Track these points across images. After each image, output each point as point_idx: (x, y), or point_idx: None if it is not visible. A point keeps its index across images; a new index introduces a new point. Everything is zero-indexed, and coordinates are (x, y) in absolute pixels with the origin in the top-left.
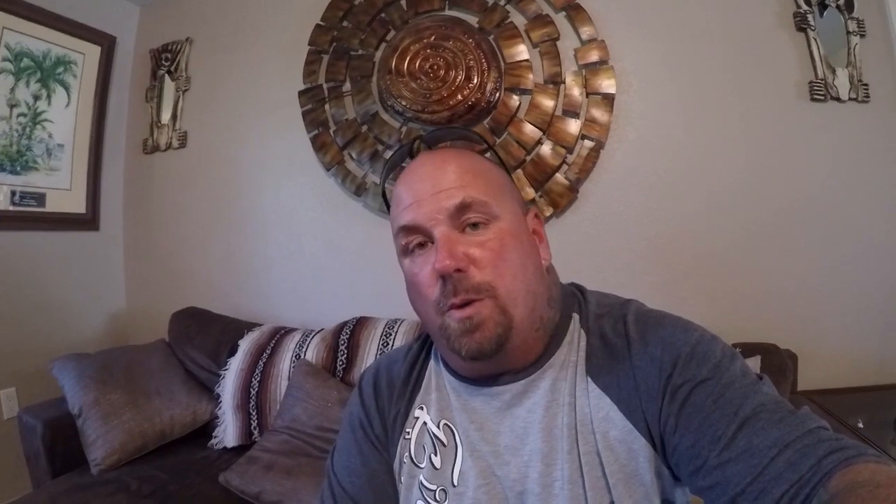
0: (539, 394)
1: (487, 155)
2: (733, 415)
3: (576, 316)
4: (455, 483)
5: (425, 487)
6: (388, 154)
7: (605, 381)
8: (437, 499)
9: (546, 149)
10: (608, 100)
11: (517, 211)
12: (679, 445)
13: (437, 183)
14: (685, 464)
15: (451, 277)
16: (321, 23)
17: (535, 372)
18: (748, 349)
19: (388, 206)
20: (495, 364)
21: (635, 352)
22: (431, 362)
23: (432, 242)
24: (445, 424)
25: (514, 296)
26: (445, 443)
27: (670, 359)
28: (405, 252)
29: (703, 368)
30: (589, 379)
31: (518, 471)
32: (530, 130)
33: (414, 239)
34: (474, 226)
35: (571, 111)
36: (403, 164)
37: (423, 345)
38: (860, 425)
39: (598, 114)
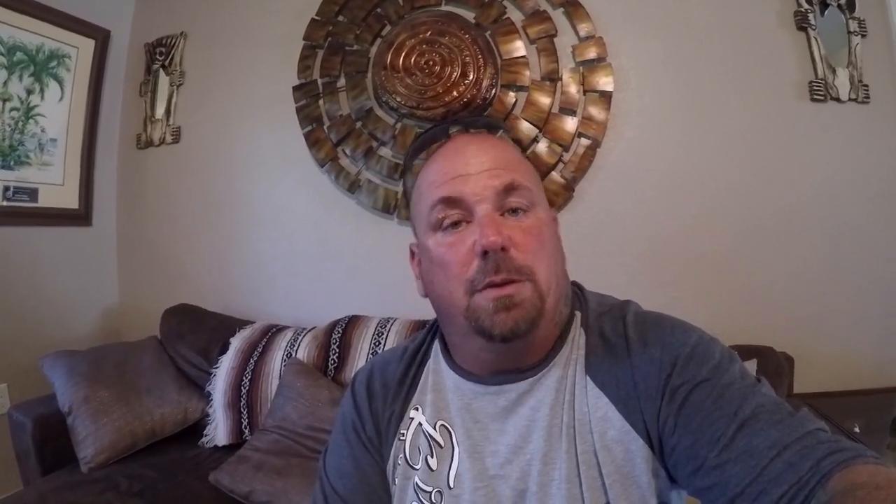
0: (544, 391)
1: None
2: (732, 415)
3: (577, 314)
4: (451, 485)
5: (420, 489)
6: (383, 151)
7: (603, 380)
8: (433, 500)
9: (542, 147)
10: (606, 97)
11: (547, 207)
12: (678, 446)
13: (484, 161)
14: (683, 464)
15: (496, 255)
16: (316, 17)
17: (542, 370)
18: (744, 352)
19: (406, 190)
20: (513, 355)
21: (634, 352)
22: (430, 362)
23: (468, 222)
24: (442, 425)
25: (549, 283)
26: (442, 444)
27: (670, 359)
28: (436, 227)
29: (703, 369)
30: (588, 377)
31: (520, 469)
32: (526, 128)
33: (451, 214)
34: (514, 212)
35: (568, 108)
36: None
37: (421, 345)
38: (856, 429)
39: (596, 111)
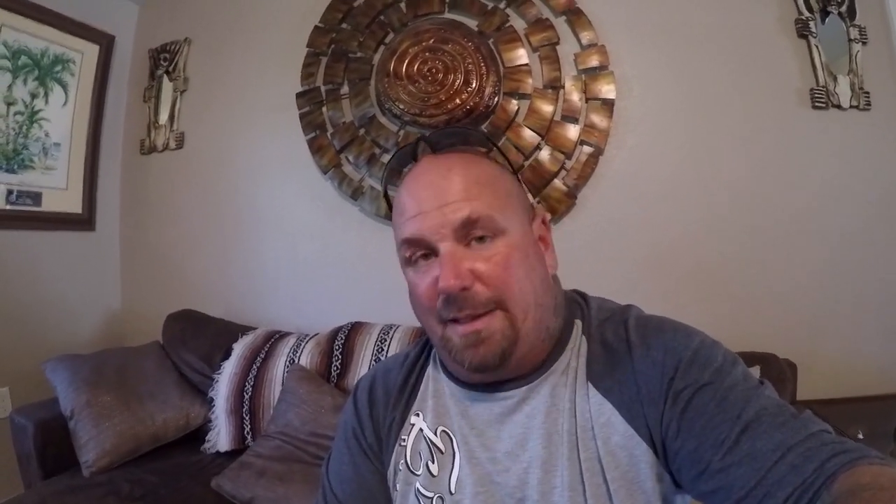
0: (539, 399)
1: (491, 156)
2: (736, 418)
3: (578, 322)
4: (452, 490)
5: (422, 495)
6: (386, 158)
7: (606, 387)
8: None
9: (544, 154)
10: (608, 105)
11: (524, 221)
12: (681, 450)
13: (442, 194)
14: (687, 468)
15: (456, 296)
16: (320, 24)
17: (538, 378)
18: (747, 358)
19: (391, 208)
20: (499, 373)
21: (637, 357)
22: (430, 368)
23: (436, 255)
24: (443, 431)
25: (523, 309)
26: (443, 450)
27: (672, 363)
28: (408, 263)
29: (705, 373)
30: (590, 384)
31: (517, 477)
32: (529, 135)
33: (417, 251)
34: (480, 239)
35: (570, 116)
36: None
37: (421, 352)
38: (860, 436)
39: (598, 119)
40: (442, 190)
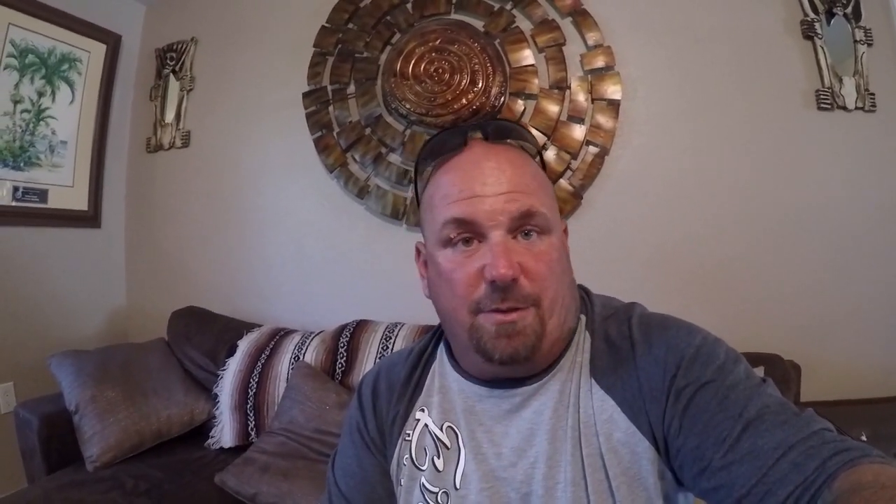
0: (548, 396)
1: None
2: (738, 416)
3: (582, 317)
4: (457, 486)
5: (427, 490)
6: (392, 157)
7: (608, 383)
8: (440, 501)
9: (550, 154)
10: (613, 106)
11: (560, 224)
12: (683, 447)
13: (501, 182)
14: (689, 466)
15: (504, 285)
16: (326, 24)
17: (547, 375)
18: (751, 360)
19: (416, 191)
20: (521, 369)
21: (640, 354)
22: (436, 364)
23: (479, 241)
24: (449, 427)
25: (552, 308)
26: (448, 445)
27: (674, 360)
28: (446, 244)
29: (708, 370)
30: (593, 380)
31: (524, 472)
32: (535, 136)
33: (462, 234)
34: (527, 234)
35: (576, 117)
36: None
37: (426, 346)
38: (863, 438)
39: (604, 120)
40: (501, 178)
